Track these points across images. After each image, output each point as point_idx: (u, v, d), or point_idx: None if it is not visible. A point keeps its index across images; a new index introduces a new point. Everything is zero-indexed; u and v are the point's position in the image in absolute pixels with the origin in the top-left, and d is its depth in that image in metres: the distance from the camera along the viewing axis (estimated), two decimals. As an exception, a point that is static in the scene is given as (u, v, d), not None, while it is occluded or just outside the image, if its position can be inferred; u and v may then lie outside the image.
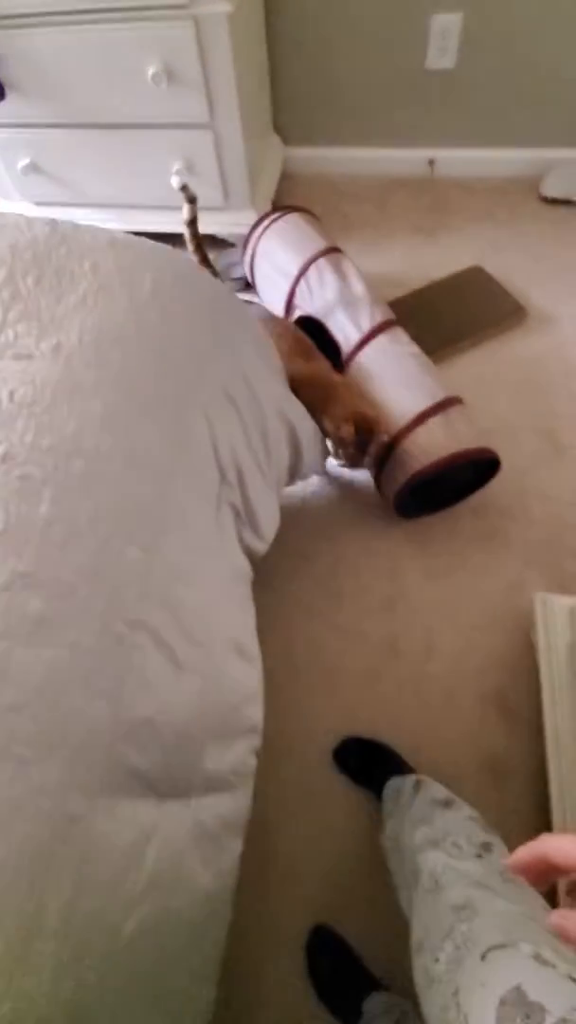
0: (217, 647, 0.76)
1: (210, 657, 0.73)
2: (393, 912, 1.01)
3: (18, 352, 0.68)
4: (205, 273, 0.88)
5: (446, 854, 0.65)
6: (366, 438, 1.17)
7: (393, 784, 0.98)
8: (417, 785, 0.90)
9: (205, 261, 1.40)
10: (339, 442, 1.19)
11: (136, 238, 0.82)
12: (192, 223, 1.33)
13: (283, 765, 1.13)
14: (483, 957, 0.46)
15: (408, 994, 0.89)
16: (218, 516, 0.86)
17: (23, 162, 1.71)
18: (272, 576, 1.34)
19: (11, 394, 0.64)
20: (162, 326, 0.74)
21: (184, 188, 1.29)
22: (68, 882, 0.48)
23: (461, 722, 1.15)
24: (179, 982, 0.66)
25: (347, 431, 1.14)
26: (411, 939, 0.60)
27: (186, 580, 0.68)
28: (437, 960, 0.51)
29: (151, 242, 0.82)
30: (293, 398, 1.13)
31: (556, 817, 1.00)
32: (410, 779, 0.94)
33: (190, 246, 1.37)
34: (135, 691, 0.58)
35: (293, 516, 1.42)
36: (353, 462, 1.24)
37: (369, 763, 1.10)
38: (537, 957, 0.44)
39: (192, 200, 1.31)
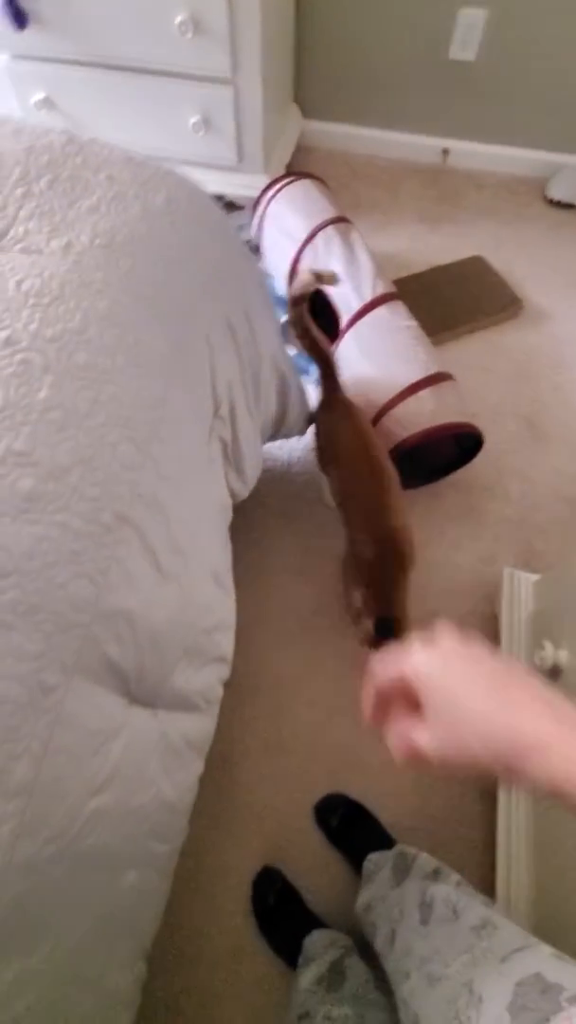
0: (196, 566, 0.77)
1: (189, 572, 0.74)
2: (340, 860, 1.04)
3: (27, 247, 0.68)
4: (217, 204, 0.89)
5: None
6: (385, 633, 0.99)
7: (374, 859, 0.95)
8: (401, 858, 0.85)
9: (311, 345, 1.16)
10: (353, 617, 1.04)
11: (152, 159, 0.82)
12: (301, 300, 1.09)
13: (248, 705, 1.15)
14: (504, 959, 0.47)
15: (352, 934, 0.92)
16: (209, 446, 0.87)
17: (37, 96, 1.68)
18: (252, 531, 1.35)
19: (18, 283, 0.64)
20: (173, 240, 0.74)
21: (319, 276, 1.07)
22: (37, 745, 0.49)
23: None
24: (127, 884, 0.67)
25: (366, 628, 0.98)
26: (401, 985, 0.57)
27: (175, 490, 0.69)
28: (448, 965, 0.51)
29: (167, 165, 0.82)
30: (286, 351, 1.14)
31: (502, 801, 1.03)
32: (389, 855, 0.90)
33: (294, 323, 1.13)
34: (118, 581, 0.58)
35: (277, 479, 1.44)
36: (367, 641, 1.04)
37: (349, 826, 1.06)
38: (556, 955, 0.45)
39: (320, 279, 1.07)
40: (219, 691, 0.89)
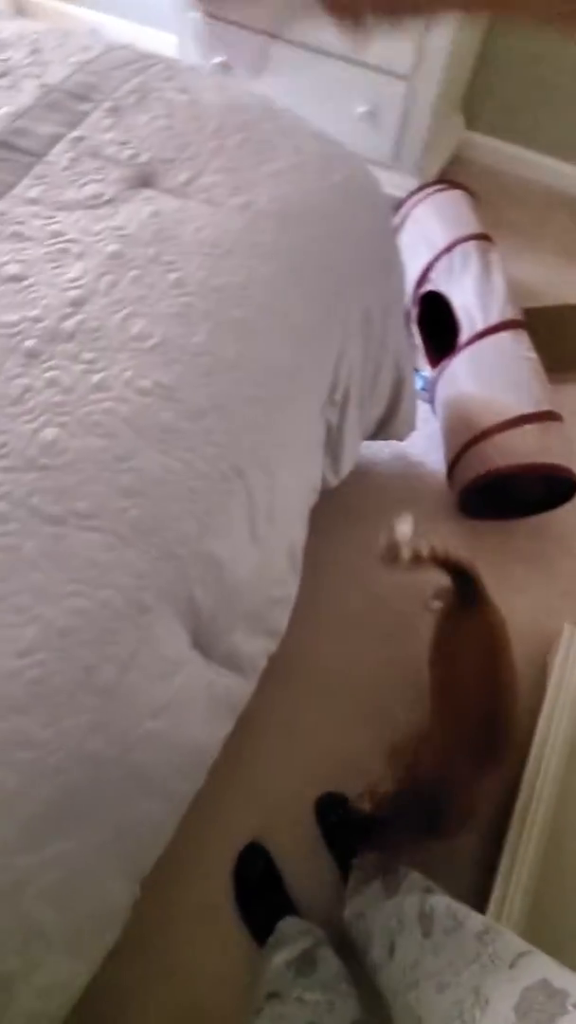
0: (280, 538, 0.79)
1: (273, 542, 0.76)
2: (327, 857, 1.04)
3: (210, 198, 0.71)
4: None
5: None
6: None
7: (362, 863, 0.93)
8: (392, 874, 0.81)
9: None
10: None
11: (336, 139, 0.84)
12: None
13: (279, 685, 1.17)
14: (512, 964, 0.48)
15: (326, 928, 0.93)
16: (316, 426, 0.88)
17: (215, 60, 1.72)
18: (319, 519, 1.36)
19: (196, 231, 0.67)
20: (340, 221, 0.76)
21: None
22: (125, 655, 0.52)
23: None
24: (146, 809, 0.70)
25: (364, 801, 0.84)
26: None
27: (285, 460, 0.71)
28: (459, 974, 0.51)
29: (351, 150, 0.84)
30: (410, 355, 1.13)
31: (505, 860, 0.97)
32: (376, 867, 0.87)
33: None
34: (218, 528, 0.61)
35: (358, 477, 1.44)
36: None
37: (345, 826, 1.04)
38: (558, 963, 0.46)
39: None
40: (263, 662, 0.91)
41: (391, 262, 0.91)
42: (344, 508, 1.40)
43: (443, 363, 1.40)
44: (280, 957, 0.86)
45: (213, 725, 0.78)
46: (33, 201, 0.70)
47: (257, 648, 0.87)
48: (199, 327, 0.62)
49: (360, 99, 1.63)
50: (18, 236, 0.66)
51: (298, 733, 1.15)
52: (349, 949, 0.84)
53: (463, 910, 0.61)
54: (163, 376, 0.59)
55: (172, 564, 0.57)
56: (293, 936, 0.92)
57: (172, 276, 0.64)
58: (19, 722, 0.46)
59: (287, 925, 0.96)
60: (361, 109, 1.65)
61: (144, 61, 0.86)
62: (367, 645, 1.24)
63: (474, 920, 0.58)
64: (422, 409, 1.40)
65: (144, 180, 0.73)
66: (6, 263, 0.64)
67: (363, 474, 1.46)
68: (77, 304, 0.62)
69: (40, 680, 0.48)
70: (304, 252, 0.72)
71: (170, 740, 0.66)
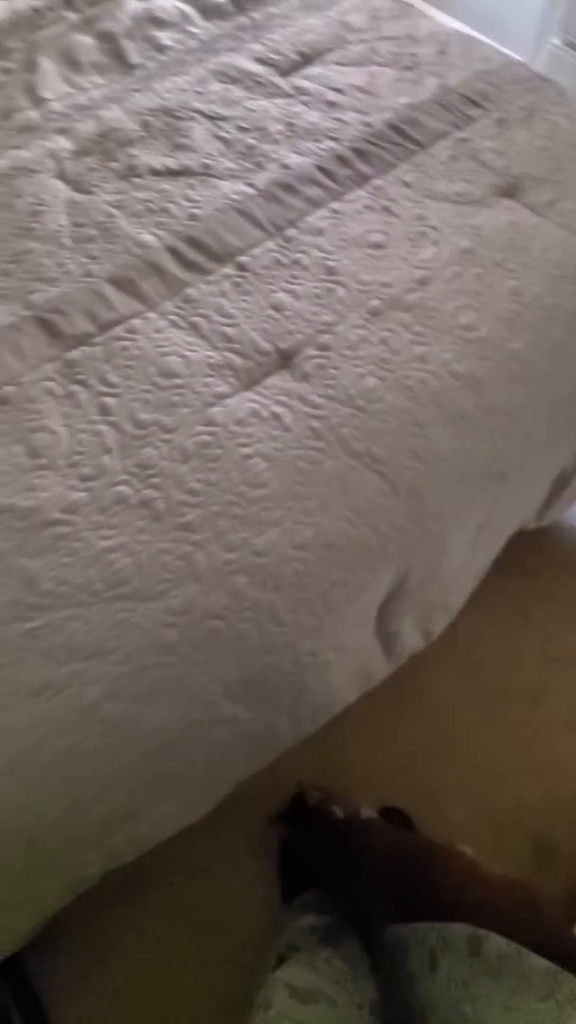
0: (486, 552, 0.82)
1: (481, 551, 0.79)
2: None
3: (567, 223, 0.74)
4: None
5: None
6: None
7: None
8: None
9: None
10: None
11: None
12: None
13: (408, 679, 1.14)
14: None
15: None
16: (560, 461, 0.89)
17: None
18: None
19: (544, 249, 0.71)
20: None
21: None
22: (354, 588, 0.60)
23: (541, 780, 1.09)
24: (280, 723, 0.77)
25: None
26: None
27: (530, 479, 0.73)
28: (529, 1003, 0.52)
29: None
30: None
31: None
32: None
33: None
34: (463, 520, 0.66)
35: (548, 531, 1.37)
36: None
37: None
38: None
39: None
40: (405, 657, 0.94)
41: None
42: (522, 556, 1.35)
43: None
44: (307, 920, 0.89)
45: (350, 686, 0.84)
46: (407, 184, 0.78)
47: (413, 641, 0.91)
48: (521, 336, 0.66)
49: None
50: (387, 211, 0.75)
51: (403, 731, 1.13)
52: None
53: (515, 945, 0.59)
54: (476, 368, 0.64)
55: (418, 531, 0.63)
56: (322, 908, 0.96)
57: (510, 283, 0.69)
58: (275, 598, 0.55)
59: (319, 895, 0.99)
60: None
61: (538, 82, 0.90)
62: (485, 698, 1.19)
63: (536, 958, 0.56)
64: None
65: (509, 191, 0.78)
66: (372, 231, 0.74)
67: (556, 529, 1.39)
68: (422, 283, 0.69)
69: (300, 574, 0.56)
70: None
71: (325, 678, 0.72)
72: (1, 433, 0.60)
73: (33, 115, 0.88)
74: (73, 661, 0.51)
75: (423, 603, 0.81)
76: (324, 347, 0.66)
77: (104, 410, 0.62)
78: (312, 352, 0.66)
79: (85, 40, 0.97)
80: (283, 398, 0.62)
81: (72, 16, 1.00)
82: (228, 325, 0.67)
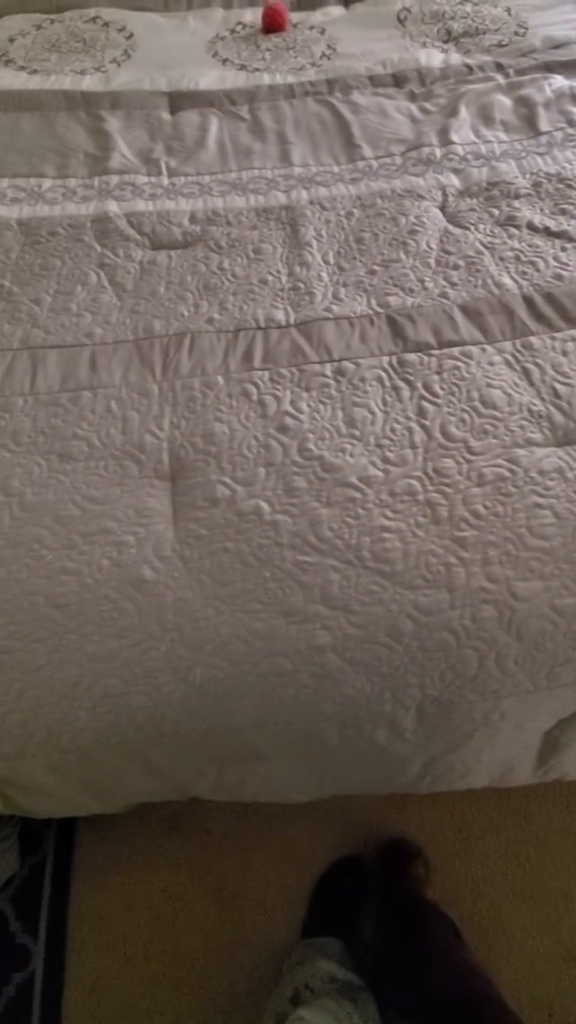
0: None
1: None
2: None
3: None
4: None
5: None
6: None
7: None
8: None
9: None
10: None
11: None
12: None
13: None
14: None
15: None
16: None
17: None
18: None
19: None
20: None
21: None
22: None
23: None
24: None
25: None
26: None
27: None
28: None
29: None
30: None
31: None
32: None
33: None
34: None
35: None
36: None
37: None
38: None
39: None
40: (567, 773, 0.87)
41: None
42: None
43: None
44: (327, 967, 0.86)
45: (489, 771, 0.80)
46: None
47: (568, 766, 0.84)
48: None
49: None
50: None
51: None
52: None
53: None
54: None
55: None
56: (344, 962, 0.92)
57: None
58: (511, 644, 0.57)
59: (344, 949, 0.95)
60: None
61: None
62: None
63: None
64: None
65: None
66: None
67: None
68: None
69: (545, 634, 0.56)
70: None
71: (483, 747, 0.70)
72: (331, 397, 0.70)
73: (437, 152, 1.00)
74: (322, 605, 0.57)
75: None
76: None
77: (421, 412, 0.68)
78: None
79: (504, 100, 1.07)
80: (593, 468, 0.62)
81: (500, 79, 1.11)
82: (561, 382, 0.68)
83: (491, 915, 0.96)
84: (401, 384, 0.70)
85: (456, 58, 1.18)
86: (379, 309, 0.77)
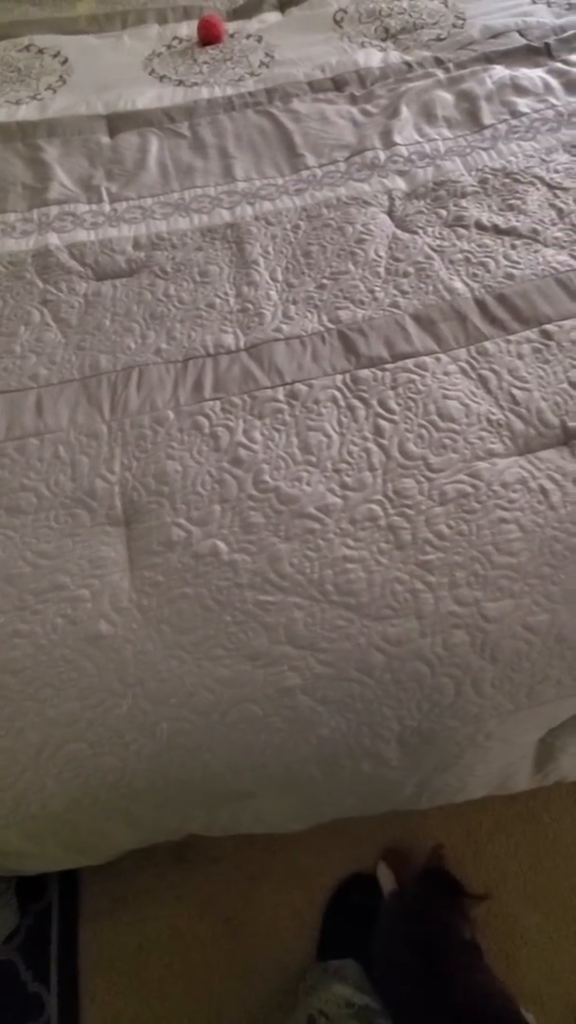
0: None
1: None
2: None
3: None
4: None
5: None
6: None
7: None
8: None
9: None
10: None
11: None
12: None
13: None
14: None
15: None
16: None
17: None
18: None
19: None
20: None
21: None
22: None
23: None
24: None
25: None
26: None
27: None
28: None
29: None
30: None
31: None
32: None
33: None
34: None
35: None
36: None
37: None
38: None
39: None
40: (568, 775, 0.85)
41: None
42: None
43: None
44: (342, 991, 0.84)
45: (485, 782, 0.78)
46: None
47: (567, 769, 0.82)
48: None
49: None
50: None
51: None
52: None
53: None
54: None
55: None
56: (362, 985, 0.90)
57: None
58: (486, 667, 0.55)
59: (361, 972, 0.93)
60: None
61: None
62: None
63: None
64: None
65: None
66: None
67: None
68: None
69: (520, 654, 0.54)
70: None
71: (476, 763, 0.68)
72: (284, 423, 0.67)
73: (381, 155, 0.98)
74: (288, 645, 0.55)
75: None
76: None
77: (378, 431, 0.66)
78: (601, 441, 0.63)
79: (446, 96, 1.05)
80: (557, 476, 0.60)
81: (440, 74, 1.09)
82: (518, 388, 0.67)
83: (506, 920, 0.95)
84: (356, 403, 0.68)
85: (395, 56, 1.15)
86: (330, 325, 0.75)
